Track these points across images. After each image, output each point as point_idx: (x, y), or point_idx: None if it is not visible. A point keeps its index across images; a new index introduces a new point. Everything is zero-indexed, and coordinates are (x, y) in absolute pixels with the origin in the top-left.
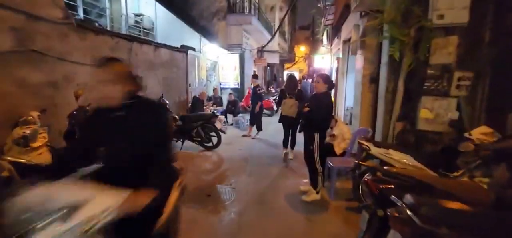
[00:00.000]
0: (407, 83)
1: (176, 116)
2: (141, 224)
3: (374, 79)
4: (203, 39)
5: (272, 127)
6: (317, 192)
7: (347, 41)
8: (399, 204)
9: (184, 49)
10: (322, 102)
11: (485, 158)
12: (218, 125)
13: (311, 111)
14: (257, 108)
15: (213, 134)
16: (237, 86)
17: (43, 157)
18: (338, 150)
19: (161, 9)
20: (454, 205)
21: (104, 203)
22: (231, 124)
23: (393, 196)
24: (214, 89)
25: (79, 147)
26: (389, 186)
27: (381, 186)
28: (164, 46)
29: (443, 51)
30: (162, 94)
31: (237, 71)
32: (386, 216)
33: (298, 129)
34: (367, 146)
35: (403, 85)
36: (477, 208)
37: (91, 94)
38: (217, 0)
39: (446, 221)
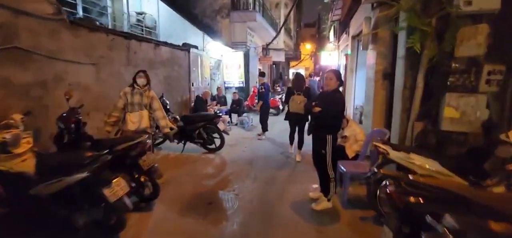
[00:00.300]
0: (427, 79)
1: (177, 117)
2: None
3: (387, 75)
4: (207, 37)
5: (278, 126)
6: (329, 200)
7: (356, 36)
8: (438, 228)
9: (186, 47)
10: (335, 100)
11: None
12: (221, 126)
13: (322, 111)
14: (257, 108)
15: (216, 135)
16: (241, 85)
17: (27, 164)
18: (350, 152)
19: (164, 7)
20: (504, 227)
21: None
22: (236, 124)
23: (429, 217)
24: (218, 89)
25: None
26: (418, 200)
27: (407, 199)
28: (165, 44)
29: (471, 42)
30: (162, 94)
31: (242, 70)
32: (414, 233)
33: (307, 131)
34: (384, 149)
35: (423, 81)
36: None
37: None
38: None
39: None
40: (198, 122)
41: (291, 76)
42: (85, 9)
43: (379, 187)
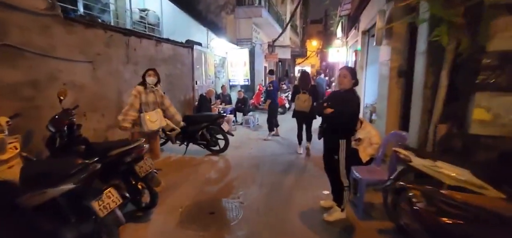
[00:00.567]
0: (452, 76)
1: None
2: None
3: (403, 73)
4: (211, 34)
5: (285, 125)
6: (342, 210)
7: (366, 32)
8: None
9: (189, 44)
10: (349, 100)
11: None
12: (225, 126)
13: (335, 112)
14: (265, 106)
15: (220, 136)
16: (247, 83)
17: (14, 171)
18: (364, 156)
19: (167, 4)
20: None
21: None
22: (241, 123)
23: None
24: (223, 87)
25: None
26: (457, 222)
27: (442, 221)
28: (167, 41)
29: (506, 35)
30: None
31: (247, 67)
32: None
33: (317, 135)
34: (406, 155)
35: (447, 79)
36: None
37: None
38: None
39: None
40: (201, 122)
41: (297, 74)
42: (86, 6)
43: (400, 198)
